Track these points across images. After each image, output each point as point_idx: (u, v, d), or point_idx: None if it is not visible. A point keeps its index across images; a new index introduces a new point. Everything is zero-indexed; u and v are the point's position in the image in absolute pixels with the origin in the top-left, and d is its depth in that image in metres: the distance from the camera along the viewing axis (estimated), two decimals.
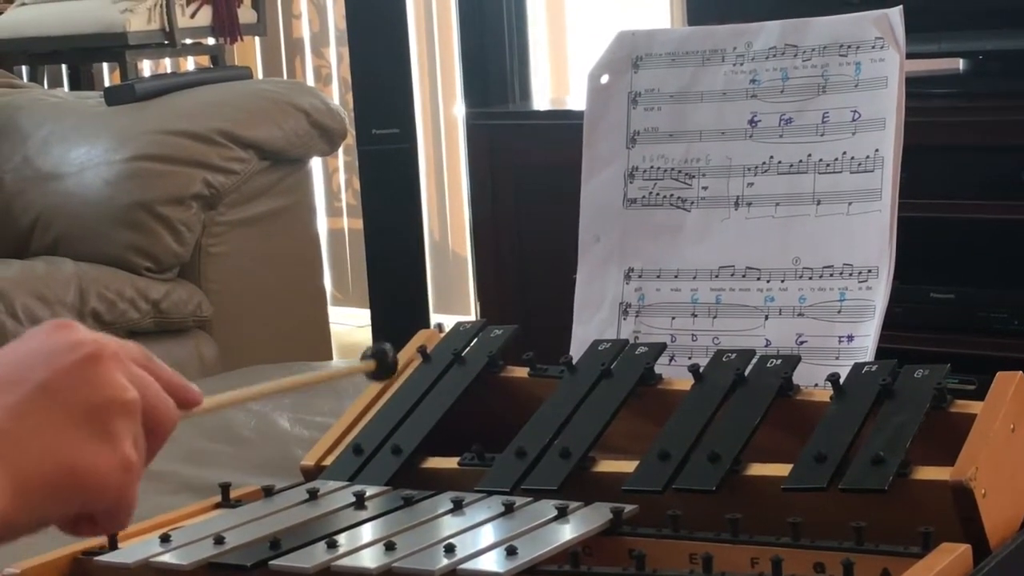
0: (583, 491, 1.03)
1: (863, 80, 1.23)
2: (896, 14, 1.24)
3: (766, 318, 1.24)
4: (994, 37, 2.50)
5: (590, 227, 1.34)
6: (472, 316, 4.00)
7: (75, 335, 0.75)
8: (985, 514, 0.93)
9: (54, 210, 2.82)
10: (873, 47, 1.23)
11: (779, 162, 1.26)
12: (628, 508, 0.99)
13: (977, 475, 0.93)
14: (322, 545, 0.96)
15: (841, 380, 1.05)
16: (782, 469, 1.00)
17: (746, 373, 1.10)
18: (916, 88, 2.79)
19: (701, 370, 1.11)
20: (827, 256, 1.23)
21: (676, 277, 1.29)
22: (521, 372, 1.21)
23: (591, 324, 1.32)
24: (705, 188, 1.29)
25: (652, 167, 1.31)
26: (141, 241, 2.76)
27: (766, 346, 1.23)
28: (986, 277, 2.40)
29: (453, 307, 4.29)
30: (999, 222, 2.37)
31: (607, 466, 1.07)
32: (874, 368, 1.06)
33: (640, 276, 1.31)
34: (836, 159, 1.23)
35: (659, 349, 1.17)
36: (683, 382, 1.13)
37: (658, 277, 1.30)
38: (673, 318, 1.28)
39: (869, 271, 1.21)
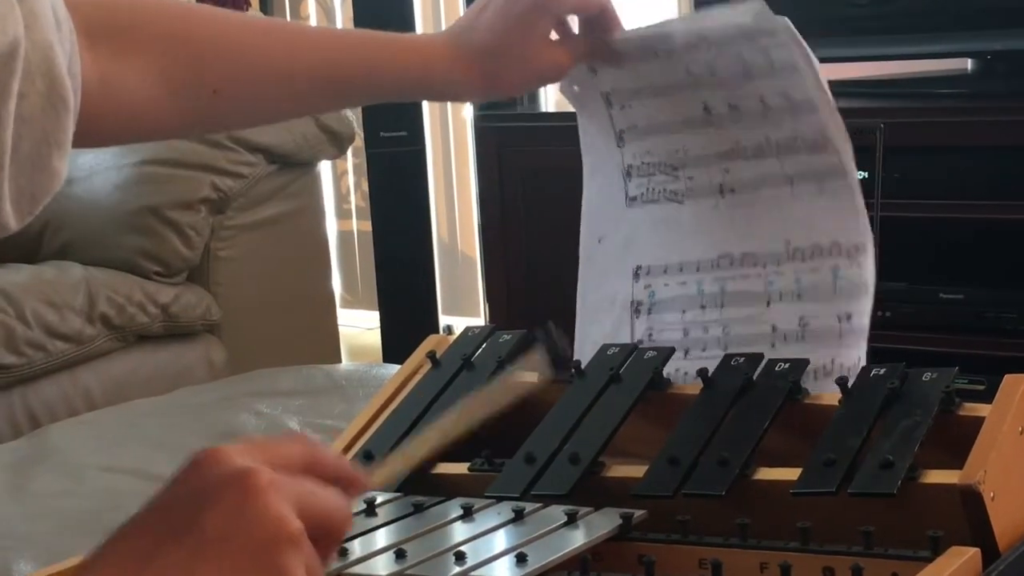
0: (592, 496, 1.03)
1: (776, 66, 1.20)
2: None
3: (768, 303, 1.23)
4: (1002, 37, 2.50)
5: (593, 230, 1.32)
6: (481, 318, 4.00)
7: (224, 468, 0.71)
8: (994, 517, 0.93)
9: (63, 215, 2.83)
10: (771, 34, 1.19)
11: (744, 147, 1.24)
12: (637, 513, 0.99)
13: (986, 478, 0.93)
14: None
15: (849, 383, 1.05)
16: (791, 473, 1.00)
17: (754, 377, 1.10)
18: (924, 88, 2.80)
19: (710, 374, 1.11)
20: (814, 236, 1.21)
21: (681, 271, 1.28)
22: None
23: (605, 325, 1.31)
24: (691, 179, 1.27)
25: (643, 163, 1.30)
26: (150, 245, 2.76)
27: (773, 331, 1.22)
28: (995, 278, 2.40)
29: (462, 309, 4.29)
30: (1008, 222, 2.37)
31: (616, 471, 1.07)
32: (882, 371, 1.06)
33: (648, 273, 1.30)
34: (790, 140, 1.21)
35: (667, 354, 1.17)
36: (692, 387, 1.13)
37: (665, 272, 1.29)
38: (684, 311, 1.27)
39: (856, 247, 1.19)
